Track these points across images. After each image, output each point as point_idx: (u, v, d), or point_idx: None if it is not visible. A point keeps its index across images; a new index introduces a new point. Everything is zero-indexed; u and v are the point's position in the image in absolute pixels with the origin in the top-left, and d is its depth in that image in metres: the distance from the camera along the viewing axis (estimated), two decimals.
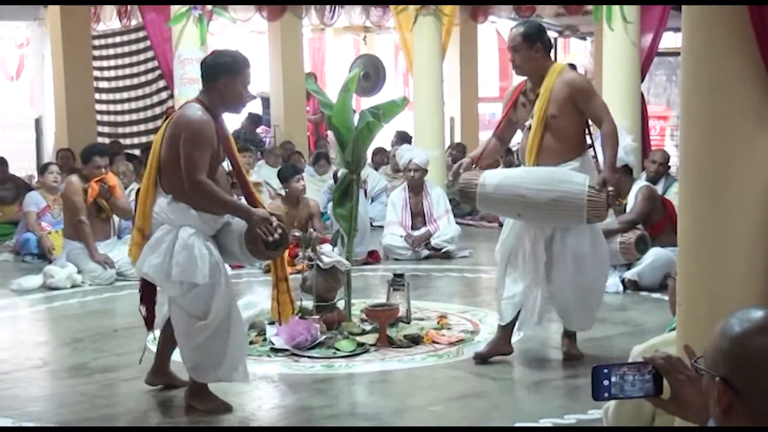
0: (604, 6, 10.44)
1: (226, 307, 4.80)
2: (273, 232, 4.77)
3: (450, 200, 10.12)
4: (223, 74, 4.82)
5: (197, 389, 4.94)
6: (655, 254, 7.55)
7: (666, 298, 5.14)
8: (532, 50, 5.46)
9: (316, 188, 12.05)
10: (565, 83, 5.44)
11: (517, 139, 5.97)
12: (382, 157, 13.49)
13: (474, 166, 5.59)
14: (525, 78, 5.67)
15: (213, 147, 4.79)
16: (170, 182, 4.80)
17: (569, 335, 5.78)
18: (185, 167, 4.70)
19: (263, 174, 12.07)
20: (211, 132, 4.77)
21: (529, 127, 5.49)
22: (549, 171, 5.38)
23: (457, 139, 15.28)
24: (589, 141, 5.66)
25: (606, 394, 2.21)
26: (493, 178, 5.45)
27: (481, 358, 5.63)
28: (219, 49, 5.31)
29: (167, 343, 5.14)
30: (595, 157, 5.67)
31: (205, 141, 4.74)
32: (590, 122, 5.57)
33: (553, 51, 5.88)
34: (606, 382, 2.20)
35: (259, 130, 15.61)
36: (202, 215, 4.79)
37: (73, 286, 8.14)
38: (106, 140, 14.07)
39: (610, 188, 5.38)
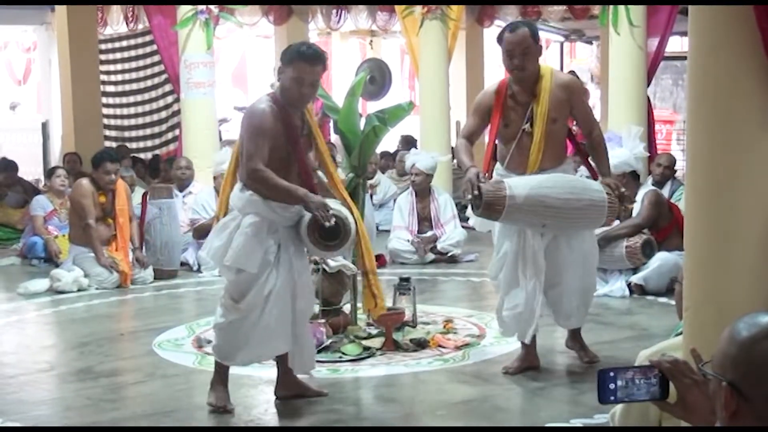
0: (611, 10, 10.44)
1: (261, 300, 4.79)
2: (328, 218, 4.70)
3: (456, 204, 10.12)
4: (285, 64, 4.83)
5: (217, 374, 4.99)
6: (661, 259, 7.54)
7: (672, 302, 5.15)
8: (539, 50, 5.37)
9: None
10: (563, 86, 5.34)
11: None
12: (387, 161, 13.49)
13: (485, 174, 5.35)
14: (501, 79, 5.53)
15: (274, 138, 4.76)
16: (240, 171, 4.87)
17: (577, 339, 5.74)
18: (243, 156, 4.77)
19: None
20: (269, 123, 4.75)
21: (526, 132, 5.32)
22: (570, 179, 5.33)
23: None
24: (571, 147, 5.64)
25: (612, 398, 2.20)
26: (520, 188, 5.12)
27: (511, 373, 5.51)
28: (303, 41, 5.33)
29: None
30: (586, 163, 5.66)
31: (261, 131, 4.73)
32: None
33: (559, 55, 5.86)
34: (612, 386, 2.20)
35: None
36: (269, 204, 4.77)
37: (79, 290, 8.15)
38: (113, 144, 14.11)
39: (623, 190, 5.39)
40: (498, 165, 5.52)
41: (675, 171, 9.27)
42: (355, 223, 4.96)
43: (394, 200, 11.71)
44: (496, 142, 5.59)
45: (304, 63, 4.77)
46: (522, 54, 5.25)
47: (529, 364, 5.57)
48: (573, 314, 5.58)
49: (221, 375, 4.99)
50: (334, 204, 4.88)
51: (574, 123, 5.75)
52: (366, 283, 5.21)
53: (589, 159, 5.60)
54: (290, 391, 5.12)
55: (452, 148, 12.95)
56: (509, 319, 5.48)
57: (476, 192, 5.09)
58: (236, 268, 4.80)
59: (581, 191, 5.22)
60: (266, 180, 4.72)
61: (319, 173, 5.17)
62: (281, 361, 5.08)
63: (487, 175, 5.34)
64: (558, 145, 5.39)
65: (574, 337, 5.77)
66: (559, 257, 5.40)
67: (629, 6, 10.31)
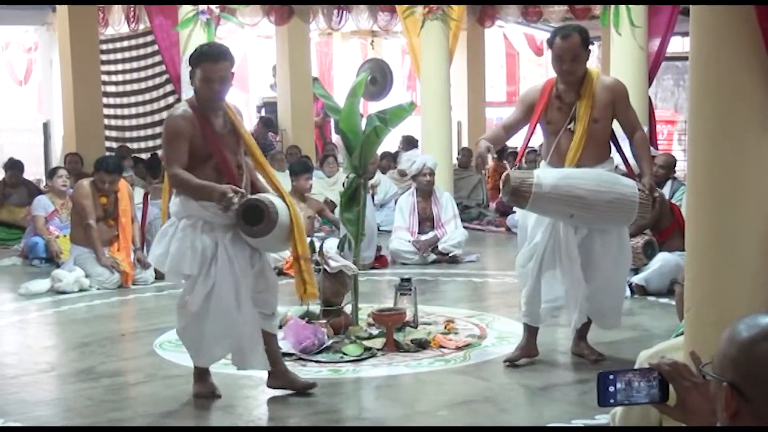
0: (612, 11, 10.44)
1: (200, 300, 4.93)
2: (229, 205, 4.78)
3: (457, 205, 10.14)
4: (193, 66, 5.03)
5: (195, 372, 5.17)
6: (663, 259, 7.54)
7: (674, 303, 5.15)
8: (588, 54, 5.52)
9: (325, 190, 12.07)
10: (608, 88, 5.51)
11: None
12: (388, 162, 13.49)
13: (517, 164, 5.67)
14: (549, 78, 5.70)
15: (191, 139, 4.91)
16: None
17: (582, 338, 5.80)
18: (165, 163, 5.01)
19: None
20: (184, 126, 4.91)
21: (570, 130, 5.46)
22: (600, 173, 5.42)
23: (464, 143, 15.29)
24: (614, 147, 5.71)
25: (611, 401, 2.20)
26: (548, 178, 5.30)
27: (511, 362, 5.66)
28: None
29: (266, 345, 5.15)
30: (626, 163, 5.75)
31: (176, 136, 4.90)
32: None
33: None
34: (611, 389, 2.20)
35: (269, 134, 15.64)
36: (201, 204, 4.91)
37: (80, 290, 8.16)
38: (114, 144, 14.12)
39: (657, 193, 5.52)
40: (542, 161, 5.71)
41: (674, 171, 9.26)
42: (289, 210, 5.05)
43: (395, 200, 11.74)
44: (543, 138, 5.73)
45: (208, 62, 4.95)
46: (572, 60, 5.42)
47: (528, 353, 5.70)
48: (607, 313, 5.71)
49: (200, 371, 5.17)
50: (267, 195, 5.03)
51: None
52: (297, 269, 5.22)
53: (629, 160, 5.70)
54: (278, 382, 5.21)
55: (459, 149, 13.02)
56: (545, 311, 5.60)
57: (504, 179, 5.30)
58: (180, 273, 4.97)
59: (611, 185, 5.33)
60: (184, 182, 4.88)
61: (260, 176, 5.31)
62: (269, 354, 5.14)
63: (518, 164, 5.68)
64: (598, 145, 5.50)
65: (581, 337, 5.81)
66: (592, 254, 5.52)
67: (630, 6, 10.30)
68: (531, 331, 5.71)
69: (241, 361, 5.13)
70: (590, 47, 5.54)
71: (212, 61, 4.96)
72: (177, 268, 4.96)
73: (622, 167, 5.82)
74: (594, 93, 5.46)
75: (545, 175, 5.34)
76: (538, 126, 5.64)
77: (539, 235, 5.57)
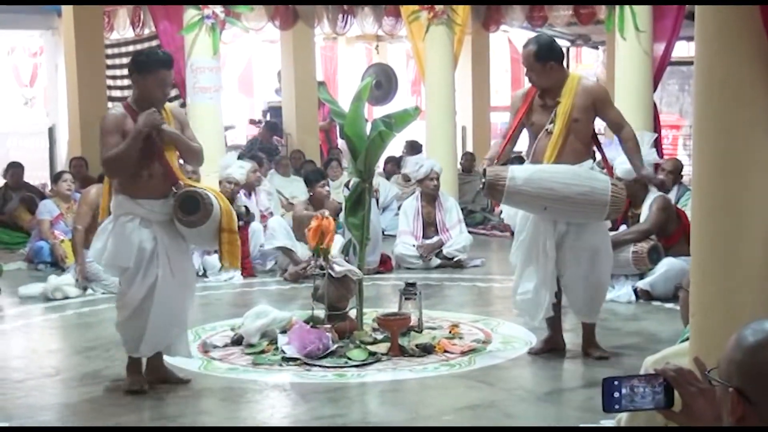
0: (617, 15, 10.43)
1: (144, 293, 5.19)
2: (159, 121, 5.17)
3: (462, 209, 10.13)
4: (134, 72, 5.29)
5: (129, 362, 5.38)
6: (668, 264, 7.53)
7: (679, 308, 5.14)
8: (545, 66, 5.75)
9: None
10: (588, 91, 5.77)
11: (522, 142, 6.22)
12: (393, 167, 13.49)
13: (497, 162, 5.88)
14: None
15: (125, 135, 5.16)
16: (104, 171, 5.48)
17: (589, 338, 5.94)
18: (101, 161, 5.34)
19: (275, 183, 12.08)
20: (119, 123, 5.20)
21: (548, 131, 5.73)
22: (574, 168, 5.67)
23: (469, 148, 15.28)
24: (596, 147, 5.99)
25: (616, 406, 2.19)
26: (522, 171, 5.64)
27: (536, 353, 5.95)
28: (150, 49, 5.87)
29: None
30: (604, 161, 6.04)
31: (111, 131, 5.20)
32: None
33: (564, 60, 6.00)
34: (616, 394, 2.19)
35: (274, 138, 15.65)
36: (138, 201, 5.21)
37: (65, 298, 8.11)
38: None
39: (661, 177, 6.04)
40: (526, 162, 5.96)
41: (681, 176, 9.25)
42: (219, 202, 5.33)
43: (397, 202, 11.74)
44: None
45: (165, 69, 5.28)
46: (527, 68, 5.81)
47: (554, 345, 5.96)
48: (581, 307, 5.90)
49: (134, 364, 5.39)
50: (203, 188, 5.35)
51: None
52: (223, 240, 5.41)
53: (608, 161, 6.03)
54: (155, 376, 5.44)
55: (464, 153, 13.01)
56: (521, 303, 5.94)
57: (482, 175, 5.66)
58: (117, 266, 5.27)
59: (583, 179, 5.60)
60: (113, 156, 5.13)
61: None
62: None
63: (497, 162, 5.86)
64: (578, 145, 5.75)
65: (586, 336, 5.96)
66: (565, 248, 5.77)
67: (635, 11, 10.30)
68: (550, 323, 5.95)
69: (171, 349, 5.45)
70: (549, 61, 5.74)
71: (168, 68, 5.30)
72: (114, 262, 5.26)
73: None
74: (574, 95, 5.72)
75: (520, 169, 5.69)
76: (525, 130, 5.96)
77: (524, 232, 5.88)
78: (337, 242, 8.56)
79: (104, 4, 13.74)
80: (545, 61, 5.74)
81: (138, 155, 5.17)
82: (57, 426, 4.93)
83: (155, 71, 5.23)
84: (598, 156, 6.12)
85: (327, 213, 8.41)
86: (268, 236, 9.09)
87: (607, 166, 5.98)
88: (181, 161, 5.54)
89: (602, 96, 5.85)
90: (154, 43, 13.53)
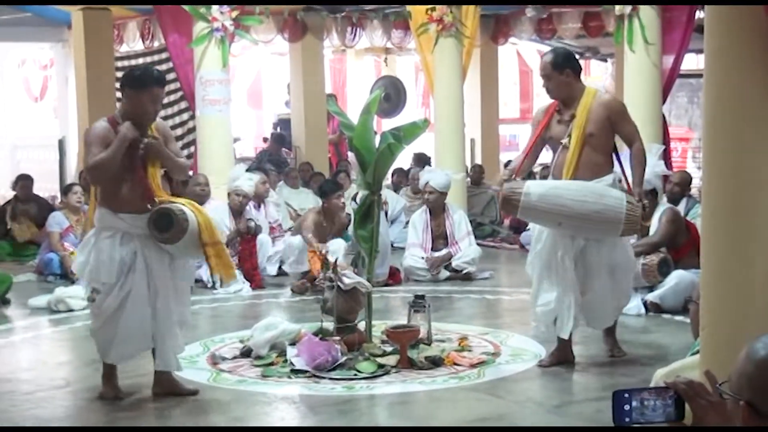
0: (625, 28, 10.44)
1: (118, 304, 5.29)
2: (141, 138, 5.26)
3: (471, 221, 10.12)
4: (128, 87, 5.36)
5: (104, 370, 5.51)
6: (678, 277, 7.51)
7: (689, 321, 5.13)
8: (562, 76, 5.81)
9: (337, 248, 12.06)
10: (604, 105, 5.83)
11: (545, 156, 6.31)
12: (400, 179, 13.51)
13: (514, 177, 5.92)
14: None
15: (107, 147, 5.23)
16: (87, 178, 5.59)
17: (610, 335, 6.12)
18: (85, 172, 5.50)
19: (284, 195, 12.10)
20: (103, 135, 5.26)
21: (565, 145, 5.79)
22: (589, 185, 5.71)
23: (478, 160, 15.28)
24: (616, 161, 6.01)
25: (627, 419, 2.19)
26: (537, 187, 5.74)
27: (547, 366, 5.96)
28: (145, 65, 6.15)
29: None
30: (624, 176, 5.99)
31: (95, 142, 5.24)
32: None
33: (581, 73, 6.07)
34: (627, 407, 2.19)
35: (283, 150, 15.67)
36: (119, 216, 5.29)
37: (69, 310, 8.12)
38: None
39: (645, 202, 5.84)
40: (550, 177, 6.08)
41: (689, 189, 9.23)
42: (197, 217, 5.38)
43: (405, 214, 11.75)
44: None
45: (159, 87, 5.36)
46: (544, 77, 5.87)
47: (564, 359, 5.97)
48: (599, 318, 6.03)
49: (108, 371, 5.51)
50: (178, 204, 5.36)
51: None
52: (209, 254, 5.46)
53: (627, 176, 5.97)
54: (163, 389, 5.50)
55: (466, 166, 13.02)
56: (542, 314, 5.94)
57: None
58: (99, 280, 5.33)
59: (598, 196, 5.64)
60: (98, 161, 5.20)
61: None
62: (154, 360, 5.50)
63: (515, 177, 5.91)
64: (596, 159, 5.80)
65: (608, 333, 6.12)
66: (588, 264, 5.83)
67: (644, 24, 10.30)
68: (564, 338, 5.97)
69: (160, 362, 5.46)
70: (566, 70, 5.81)
71: (162, 85, 5.39)
72: (95, 276, 5.34)
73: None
74: (589, 109, 5.78)
75: (535, 185, 5.82)
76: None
77: (540, 243, 5.93)
78: (340, 246, 8.60)
79: (129, 4, 13.71)
80: (562, 68, 5.80)
81: (120, 167, 5.24)
82: (57, 426, 4.95)
83: (150, 88, 5.30)
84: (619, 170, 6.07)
85: (325, 250, 8.49)
86: (290, 257, 9.08)
87: (627, 184, 5.93)
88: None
89: (619, 110, 5.90)
90: (163, 55, 13.58)
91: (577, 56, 6.25)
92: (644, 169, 5.93)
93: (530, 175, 6.59)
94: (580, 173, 5.74)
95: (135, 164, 5.31)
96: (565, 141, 5.80)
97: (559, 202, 5.59)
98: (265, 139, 16.91)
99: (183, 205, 5.40)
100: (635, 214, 5.66)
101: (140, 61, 14.70)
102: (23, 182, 11.78)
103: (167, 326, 5.42)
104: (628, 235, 5.92)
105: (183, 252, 5.41)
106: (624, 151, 6.02)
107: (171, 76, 13.94)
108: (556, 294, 5.83)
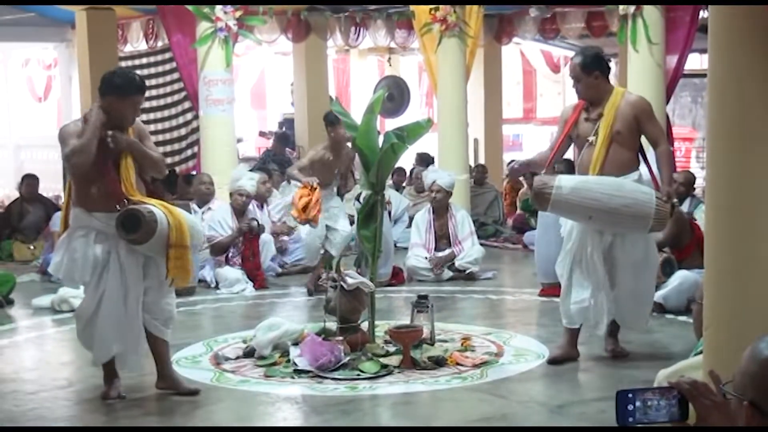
0: (629, 27, 10.43)
1: (94, 304, 5.33)
2: (113, 135, 5.26)
3: (474, 221, 10.11)
4: (112, 94, 5.32)
5: (104, 371, 5.52)
6: (682, 277, 7.50)
7: (692, 321, 5.12)
8: (591, 77, 5.91)
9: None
10: (631, 104, 5.93)
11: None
12: (401, 178, 13.52)
13: (543, 172, 6.02)
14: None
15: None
16: (68, 175, 5.53)
17: (614, 335, 6.14)
18: (64, 162, 5.45)
19: (287, 195, 12.08)
20: (74, 131, 5.27)
21: (591, 142, 5.87)
22: (619, 180, 5.80)
23: (481, 160, 15.28)
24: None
25: (631, 419, 2.18)
26: (569, 181, 5.78)
27: (554, 362, 6.01)
28: (123, 69, 6.10)
29: (152, 347, 5.56)
30: (651, 174, 6.07)
31: (68, 135, 5.27)
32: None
33: (610, 73, 6.13)
34: (630, 407, 2.18)
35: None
36: (93, 215, 5.31)
37: (71, 311, 8.12)
38: None
39: (675, 200, 5.95)
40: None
41: (693, 188, 9.22)
42: (167, 219, 5.32)
43: (408, 214, 11.73)
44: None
45: (140, 95, 5.44)
46: (573, 79, 5.99)
47: (569, 356, 6.03)
48: (630, 317, 6.07)
49: (107, 371, 5.51)
50: (144, 204, 5.31)
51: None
52: (170, 255, 5.37)
53: (654, 172, 6.05)
54: (165, 384, 5.54)
55: (470, 166, 13.01)
56: (576, 311, 5.98)
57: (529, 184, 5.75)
58: (74, 279, 5.45)
59: (628, 191, 5.72)
60: (76, 148, 5.19)
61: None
62: (155, 356, 5.55)
63: (544, 171, 6.00)
64: (622, 156, 5.88)
65: (612, 334, 6.15)
66: (613, 260, 5.90)
67: (648, 23, 10.30)
68: (569, 333, 6.05)
69: (120, 362, 5.48)
70: (595, 71, 5.90)
71: (143, 93, 5.48)
72: (70, 275, 5.40)
73: (648, 177, 6.07)
74: (617, 108, 5.88)
75: (566, 179, 5.84)
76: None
77: (570, 242, 6.00)
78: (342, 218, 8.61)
79: (133, 3, 13.72)
80: (591, 70, 5.89)
81: (92, 166, 5.23)
82: (60, 426, 4.95)
83: (132, 97, 5.34)
84: (645, 169, 6.11)
85: (315, 182, 8.46)
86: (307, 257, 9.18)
87: (653, 179, 5.99)
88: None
89: (645, 109, 5.98)
90: (167, 55, 13.60)
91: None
92: (672, 169, 6.00)
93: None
94: (606, 170, 5.82)
95: (106, 163, 5.30)
96: (591, 138, 5.88)
97: (590, 196, 5.66)
98: (261, 133, 16.89)
99: (154, 206, 5.35)
100: (664, 210, 5.72)
101: (144, 61, 14.73)
102: (29, 181, 11.82)
103: (134, 328, 5.41)
104: (657, 230, 6.01)
105: (152, 252, 5.38)
106: (650, 152, 6.05)
107: (174, 76, 14.02)
108: (591, 290, 5.91)
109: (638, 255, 5.93)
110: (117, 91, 5.31)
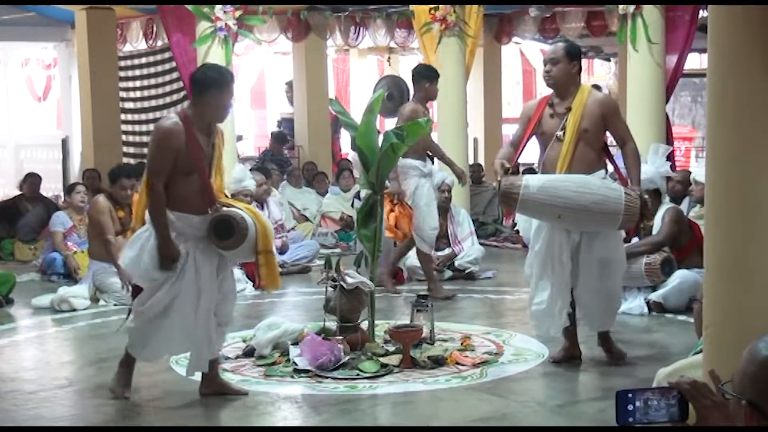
0: (629, 27, 10.43)
1: (164, 305, 5.22)
2: (171, 268, 5.17)
3: (473, 221, 10.10)
4: (213, 87, 5.20)
5: (122, 367, 5.44)
6: (681, 276, 7.50)
7: (692, 320, 5.12)
8: (570, 65, 5.86)
9: (340, 205, 12.07)
10: (598, 102, 5.86)
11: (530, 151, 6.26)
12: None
13: (511, 171, 5.87)
14: (548, 94, 6.00)
15: (177, 152, 5.13)
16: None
17: (604, 336, 6.08)
18: (146, 169, 5.22)
19: (287, 194, 12.10)
20: (174, 139, 5.13)
21: (558, 138, 5.80)
22: (586, 177, 5.74)
23: (481, 159, 15.27)
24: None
25: (630, 419, 2.19)
26: (536, 180, 5.72)
27: (556, 362, 6.01)
28: (208, 63, 6.02)
29: None
30: (617, 171, 6.07)
31: (166, 146, 5.14)
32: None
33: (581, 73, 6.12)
34: (630, 407, 2.18)
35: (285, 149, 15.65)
36: (175, 214, 5.18)
37: (73, 310, 8.13)
38: (132, 161, 14.16)
39: (646, 196, 5.84)
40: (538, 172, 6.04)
41: (691, 187, 9.22)
42: (255, 224, 5.30)
43: None
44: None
45: (233, 81, 5.37)
46: (550, 61, 5.87)
47: (571, 354, 6.01)
48: (595, 315, 5.98)
49: (127, 368, 5.44)
50: (234, 209, 5.29)
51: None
52: (260, 262, 5.41)
53: (621, 170, 6.02)
54: (210, 389, 5.45)
55: (470, 165, 13.01)
56: (535, 313, 5.97)
57: (497, 185, 5.71)
58: (151, 278, 5.23)
59: (596, 188, 5.66)
60: (153, 204, 5.14)
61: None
62: (209, 363, 5.43)
63: (511, 171, 5.82)
64: (588, 154, 5.82)
65: (603, 339, 6.09)
66: (579, 257, 5.83)
67: (647, 23, 10.29)
68: (566, 332, 6.01)
69: (190, 364, 5.42)
70: (575, 62, 5.88)
71: (232, 86, 5.32)
72: (148, 275, 5.22)
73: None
74: (584, 105, 5.81)
75: (533, 178, 5.78)
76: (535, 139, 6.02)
77: (538, 243, 5.92)
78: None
79: (135, 3, 13.72)
80: (573, 59, 5.86)
81: (181, 169, 5.15)
82: (59, 426, 4.95)
83: (229, 84, 5.29)
84: (611, 167, 6.11)
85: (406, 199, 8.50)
86: None
87: (620, 176, 5.99)
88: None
89: (612, 108, 5.93)
90: (167, 55, 13.60)
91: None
92: (640, 169, 5.91)
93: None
94: (574, 167, 5.76)
95: (199, 165, 5.20)
96: (559, 134, 5.80)
97: (558, 194, 5.61)
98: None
99: (242, 210, 5.33)
100: (634, 206, 5.66)
101: (143, 60, 14.73)
102: (31, 179, 11.82)
103: (205, 330, 5.31)
104: (627, 227, 5.94)
105: (238, 258, 5.44)
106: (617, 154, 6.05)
107: (174, 75, 14.01)
108: (549, 293, 5.85)
109: (608, 253, 5.85)
110: (216, 83, 5.23)
